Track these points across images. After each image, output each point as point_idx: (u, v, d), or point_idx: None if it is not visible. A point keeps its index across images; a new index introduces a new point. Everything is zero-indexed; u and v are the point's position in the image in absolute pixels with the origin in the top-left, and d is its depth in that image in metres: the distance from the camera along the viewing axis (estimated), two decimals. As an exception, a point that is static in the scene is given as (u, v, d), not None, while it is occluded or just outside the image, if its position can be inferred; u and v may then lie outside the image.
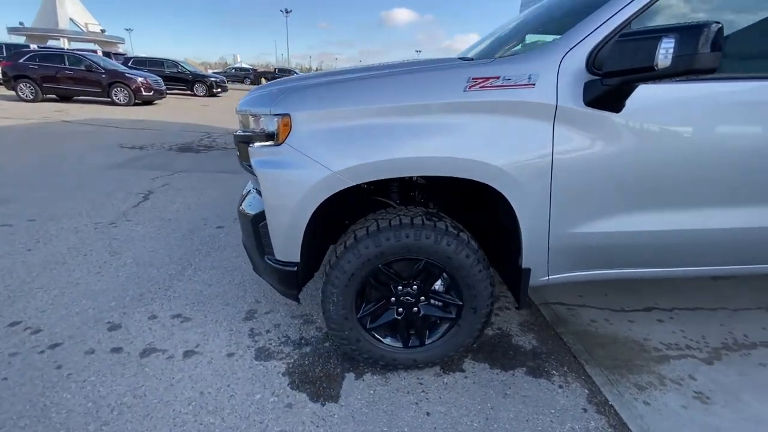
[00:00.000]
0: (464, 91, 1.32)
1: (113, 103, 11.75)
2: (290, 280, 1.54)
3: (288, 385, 1.62)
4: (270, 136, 1.42)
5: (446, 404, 1.54)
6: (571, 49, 1.33)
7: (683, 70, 1.07)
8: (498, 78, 1.32)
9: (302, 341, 1.89)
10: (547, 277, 1.60)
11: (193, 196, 3.87)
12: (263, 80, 28.78)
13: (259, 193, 1.64)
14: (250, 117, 1.52)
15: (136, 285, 2.29)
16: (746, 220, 1.53)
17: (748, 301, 2.30)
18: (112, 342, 1.82)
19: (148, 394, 1.54)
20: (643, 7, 1.32)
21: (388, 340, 1.66)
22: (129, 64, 15.64)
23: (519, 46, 2.05)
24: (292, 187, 1.37)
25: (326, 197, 1.38)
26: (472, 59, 1.69)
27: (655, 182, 1.44)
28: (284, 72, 29.79)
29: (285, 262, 1.51)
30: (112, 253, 2.66)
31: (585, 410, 1.52)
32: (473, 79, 1.32)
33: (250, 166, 1.56)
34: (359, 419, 1.47)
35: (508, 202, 1.41)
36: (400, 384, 1.64)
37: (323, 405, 1.53)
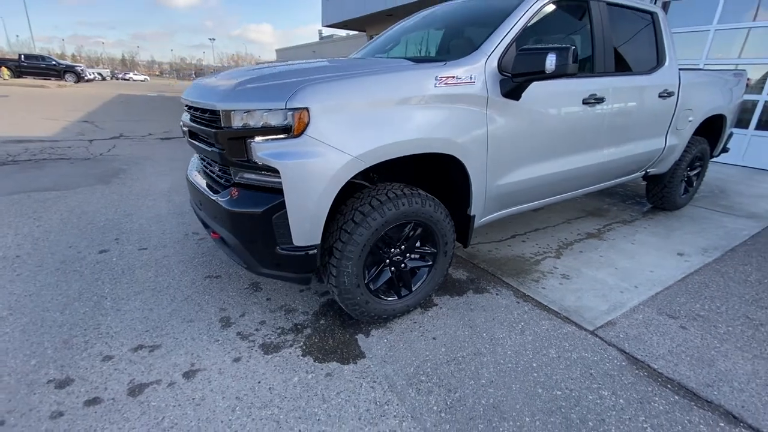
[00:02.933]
0: (434, 86, 1.75)
1: None
2: (311, 262, 1.66)
3: (315, 361, 1.76)
4: (285, 129, 1.49)
5: (441, 328, 2.01)
6: (488, 56, 1.92)
7: (560, 73, 1.79)
8: (454, 77, 1.80)
9: (298, 327, 1.98)
10: (482, 219, 2.23)
11: (28, 225, 2.95)
12: (5, 70, 20.86)
13: (246, 187, 1.66)
14: (247, 113, 1.52)
15: (47, 335, 1.82)
16: (586, 160, 2.56)
17: (557, 219, 3.60)
18: (77, 397, 1.50)
19: (178, 422, 1.43)
20: (521, 29, 2.02)
21: (386, 297, 1.98)
22: None
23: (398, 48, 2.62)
24: (319, 174, 1.51)
25: (348, 179, 1.58)
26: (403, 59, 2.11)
27: (540, 144, 2.23)
28: (34, 59, 22.15)
29: (306, 246, 1.63)
30: (-40, 312, 1.93)
31: (518, 302, 2.26)
32: (439, 77, 1.76)
33: (245, 161, 1.57)
34: (390, 361, 1.77)
35: (464, 167, 1.93)
36: (402, 328, 2.00)
37: (356, 363, 1.76)
